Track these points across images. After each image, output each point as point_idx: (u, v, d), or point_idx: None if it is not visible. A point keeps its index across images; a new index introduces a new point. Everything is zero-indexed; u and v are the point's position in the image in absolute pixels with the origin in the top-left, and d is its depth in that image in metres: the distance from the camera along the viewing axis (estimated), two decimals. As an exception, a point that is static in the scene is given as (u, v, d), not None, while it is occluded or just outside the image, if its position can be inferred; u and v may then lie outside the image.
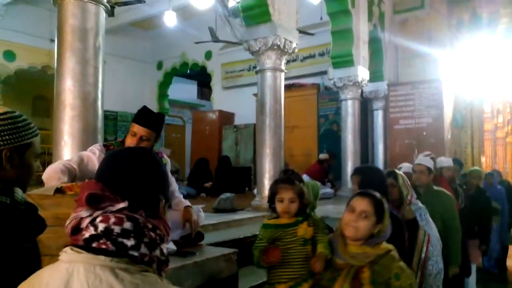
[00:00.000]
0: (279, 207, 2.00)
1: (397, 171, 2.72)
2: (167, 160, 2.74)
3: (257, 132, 5.02)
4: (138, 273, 0.88)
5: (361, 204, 1.77)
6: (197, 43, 9.37)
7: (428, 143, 7.02)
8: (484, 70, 8.74)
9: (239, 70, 10.39)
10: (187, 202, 2.71)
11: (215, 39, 8.65)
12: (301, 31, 8.04)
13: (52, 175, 2.22)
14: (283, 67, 5.01)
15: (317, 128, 8.50)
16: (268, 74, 4.89)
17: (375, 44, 7.48)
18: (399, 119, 7.53)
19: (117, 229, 0.89)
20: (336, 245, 1.81)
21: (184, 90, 14.18)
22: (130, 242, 0.89)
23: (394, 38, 7.82)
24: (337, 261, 1.79)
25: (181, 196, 2.77)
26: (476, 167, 6.08)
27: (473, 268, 4.51)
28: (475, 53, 8.15)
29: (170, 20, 8.08)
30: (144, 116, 2.44)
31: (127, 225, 0.90)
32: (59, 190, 1.90)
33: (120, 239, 0.89)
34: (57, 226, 1.82)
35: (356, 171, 2.51)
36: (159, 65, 11.95)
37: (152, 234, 0.93)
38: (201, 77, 12.93)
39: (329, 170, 7.23)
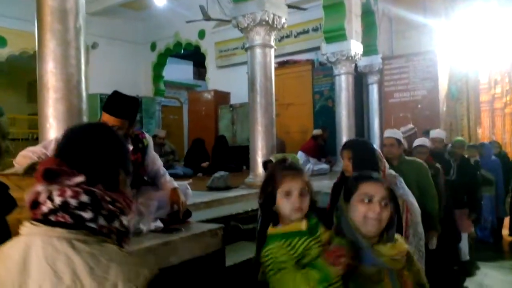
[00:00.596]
0: (286, 204, 1.43)
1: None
2: (148, 140, 2.70)
3: (249, 110, 4.99)
4: (96, 244, 0.90)
5: (378, 190, 1.39)
6: (188, 22, 9.23)
7: (423, 116, 7.00)
8: (480, 40, 8.63)
9: (233, 48, 10.27)
10: (174, 183, 2.70)
11: (207, 18, 8.52)
12: (294, 6, 7.93)
13: (21, 161, 2.18)
14: (272, 43, 4.95)
15: (313, 105, 8.46)
16: (258, 51, 4.83)
17: (368, 17, 7.37)
18: (394, 92, 7.49)
19: (74, 202, 0.90)
20: (363, 248, 1.36)
21: (180, 71, 14.07)
22: (87, 215, 0.91)
23: (388, 10, 7.70)
24: (364, 269, 1.36)
25: (167, 175, 2.77)
26: (459, 137, 6.06)
27: (465, 236, 4.56)
28: (470, 22, 8.03)
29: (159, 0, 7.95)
30: (114, 104, 2.35)
31: (84, 198, 0.91)
32: (33, 169, 1.90)
33: (77, 212, 0.90)
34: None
35: (346, 146, 2.40)
36: (153, 46, 11.81)
37: (111, 207, 0.95)
38: (196, 57, 12.80)
39: (325, 145, 7.23)
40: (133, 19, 11.37)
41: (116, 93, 2.43)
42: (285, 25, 5.04)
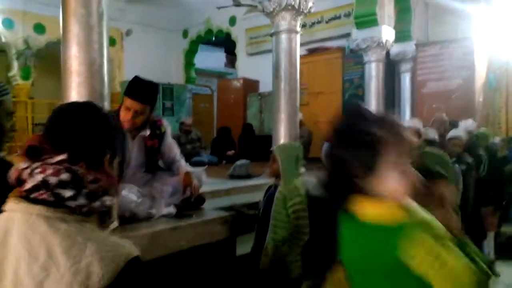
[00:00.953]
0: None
1: None
2: (166, 128, 2.70)
3: (271, 97, 4.92)
4: (74, 223, 0.90)
5: None
6: (219, 8, 9.22)
7: (457, 106, 6.67)
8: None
9: (263, 35, 10.15)
10: (187, 167, 2.73)
11: (237, 3, 8.46)
12: (325, -9, 7.74)
13: None
14: (298, 28, 4.83)
15: (342, 94, 8.26)
16: (283, 36, 4.74)
17: (402, 2, 7.06)
18: (427, 81, 7.17)
19: (54, 180, 0.90)
20: None
21: (211, 59, 14.12)
22: (68, 193, 0.91)
23: (423, -6, 7.35)
24: None
25: (182, 161, 2.79)
26: (483, 129, 5.69)
27: (490, 235, 4.32)
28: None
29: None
30: (136, 89, 2.38)
31: (65, 176, 0.91)
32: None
33: (57, 190, 0.90)
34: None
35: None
36: (185, 33, 11.88)
37: (93, 186, 0.94)
38: (228, 44, 12.78)
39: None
40: (166, 6, 11.44)
41: (137, 78, 2.44)
42: (312, 10, 4.91)
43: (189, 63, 11.94)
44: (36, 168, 0.91)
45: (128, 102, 2.37)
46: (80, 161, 0.94)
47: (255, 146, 7.55)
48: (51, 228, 0.87)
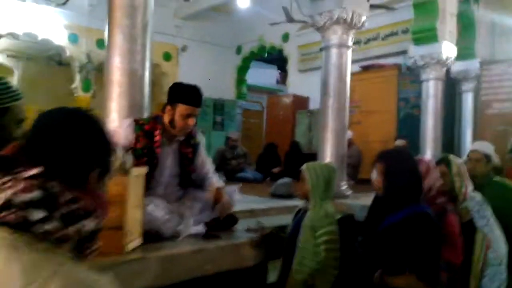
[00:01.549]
0: None
1: (452, 157, 2.28)
2: (199, 140, 2.63)
3: (319, 114, 4.71)
4: (43, 251, 0.75)
5: None
6: (272, 24, 9.17)
7: (526, 130, 6.06)
8: None
9: (316, 51, 9.94)
10: (220, 183, 2.59)
11: (290, 19, 8.36)
12: (382, 6, 7.44)
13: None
14: (350, 43, 4.61)
15: (397, 113, 7.83)
16: (333, 51, 4.54)
17: (466, 18, 6.61)
18: (493, 102, 6.60)
19: (23, 198, 0.76)
20: None
21: (263, 75, 14.14)
22: (38, 215, 0.76)
23: (490, 10, 6.82)
24: None
25: (215, 177, 2.66)
26: None
27: None
28: None
29: (243, 1, 7.98)
30: (193, 95, 2.38)
31: (36, 194, 0.76)
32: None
33: (27, 210, 0.76)
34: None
35: (379, 157, 1.95)
36: (238, 49, 11.98)
37: (71, 206, 0.80)
38: (280, 61, 12.74)
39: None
40: (221, 23, 11.65)
41: (190, 86, 2.41)
42: (366, 24, 4.66)
43: (241, 79, 12.00)
44: (5, 183, 0.77)
45: (190, 109, 2.34)
46: (57, 177, 0.80)
47: (301, 164, 7.28)
48: (12, 255, 0.73)
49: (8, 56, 12.05)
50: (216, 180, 2.59)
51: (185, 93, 2.38)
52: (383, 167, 1.86)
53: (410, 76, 7.60)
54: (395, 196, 1.77)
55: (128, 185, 1.85)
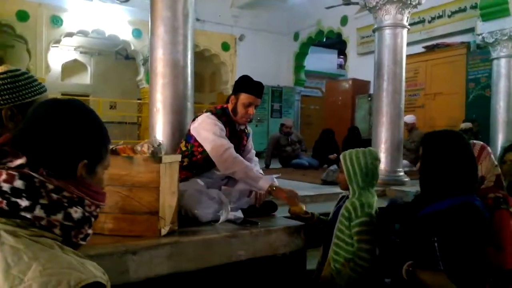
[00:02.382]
0: None
1: None
2: (250, 130, 2.78)
3: (373, 98, 4.51)
4: (26, 237, 0.78)
5: None
6: (328, 7, 8.92)
7: None
8: None
9: (376, 34, 9.55)
10: (259, 170, 2.59)
11: (346, 2, 8.09)
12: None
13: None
14: (405, 22, 4.34)
15: (466, 95, 7.27)
16: (387, 32, 4.30)
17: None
18: None
19: (6, 187, 0.80)
20: None
21: (323, 61, 13.83)
22: (23, 203, 0.80)
23: None
24: None
25: (256, 164, 2.67)
26: None
27: None
28: None
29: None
30: (256, 86, 2.53)
31: (18, 183, 0.81)
32: (112, 152, 1.96)
33: (13, 199, 0.80)
34: (109, 185, 1.90)
35: (421, 140, 1.77)
36: (296, 36, 11.81)
37: (54, 196, 0.83)
38: (340, 46, 12.37)
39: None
40: (278, 10, 11.56)
41: (251, 78, 2.58)
42: (422, 1, 4.35)
43: (299, 66, 11.84)
44: None
45: (251, 98, 2.49)
46: (40, 167, 0.82)
47: (360, 150, 7.05)
48: None
49: (81, 52, 12.99)
50: (257, 169, 2.60)
51: (247, 84, 2.53)
52: (422, 150, 1.72)
53: (481, 55, 7.00)
54: (431, 183, 1.62)
55: (161, 172, 1.90)
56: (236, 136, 2.62)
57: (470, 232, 1.47)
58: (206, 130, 2.45)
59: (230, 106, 2.55)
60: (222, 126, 2.48)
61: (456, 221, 1.50)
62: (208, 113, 2.56)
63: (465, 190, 1.58)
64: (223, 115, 2.56)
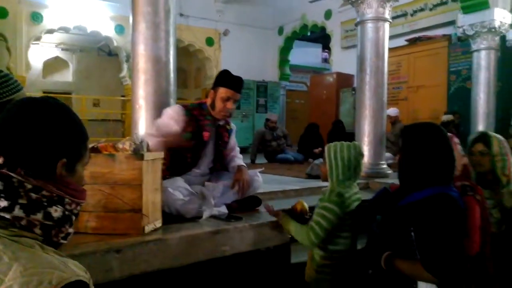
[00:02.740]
0: None
1: (493, 134, 2.08)
2: (232, 127, 2.74)
3: (356, 92, 4.55)
4: (6, 238, 0.78)
5: None
6: (311, 2, 8.93)
7: None
8: None
9: (359, 27, 9.60)
10: (241, 162, 2.62)
11: (330, -5, 8.10)
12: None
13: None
14: (387, 16, 4.37)
15: (447, 87, 7.38)
16: (369, 26, 4.34)
17: (523, -21, 6.02)
18: (555, 71, 6.02)
19: None
20: None
21: (307, 55, 13.87)
22: (2, 203, 0.80)
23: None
24: None
25: (240, 160, 2.69)
26: None
27: None
28: None
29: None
30: (234, 80, 2.51)
31: None
32: (94, 150, 1.95)
33: None
34: (91, 184, 1.89)
35: (401, 132, 1.79)
36: (280, 30, 11.81)
37: (33, 195, 0.82)
38: (325, 40, 12.41)
39: (457, 133, 6.23)
40: (262, 4, 11.53)
41: (230, 72, 2.55)
42: (404, -5, 4.39)
43: (284, 60, 11.85)
44: None
45: (229, 92, 2.45)
46: (18, 167, 0.82)
47: (345, 144, 7.11)
48: None
49: (63, 49, 12.78)
50: (240, 162, 2.61)
51: (226, 78, 2.51)
52: (401, 142, 1.73)
53: (462, 47, 7.11)
54: (409, 174, 1.64)
55: (143, 169, 1.90)
56: (211, 131, 2.56)
57: (444, 222, 1.50)
58: (160, 118, 2.52)
59: (209, 101, 2.52)
60: (183, 119, 2.43)
61: (431, 211, 1.53)
62: (178, 105, 2.57)
63: (442, 181, 1.60)
64: (196, 109, 2.52)
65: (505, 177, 2.02)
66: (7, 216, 0.80)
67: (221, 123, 2.62)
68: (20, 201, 0.81)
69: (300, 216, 2.18)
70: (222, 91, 2.46)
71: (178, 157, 2.43)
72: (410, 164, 1.63)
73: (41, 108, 0.87)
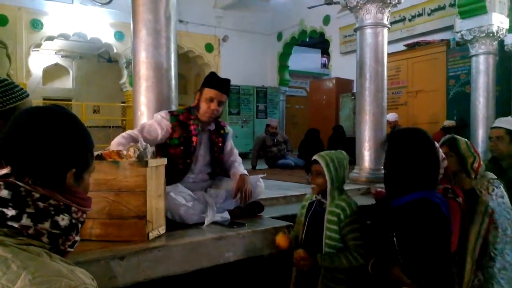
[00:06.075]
0: None
1: (458, 137, 2.10)
2: (228, 131, 2.71)
3: (356, 97, 4.57)
4: (14, 246, 0.78)
5: None
6: (310, 8, 8.98)
7: None
8: None
9: (358, 33, 9.64)
10: (243, 171, 2.60)
11: (328, 2, 8.16)
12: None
13: (113, 146, 2.29)
14: (385, 21, 4.40)
15: (446, 91, 7.40)
16: (368, 31, 4.36)
17: (520, -16, 6.07)
18: (553, 75, 6.05)
19: None
20: None
21: (307, 60, 13.92)
22: (10, 212, 0.80)
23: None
24: None
25: (241, 166, 2.67)
26: None
27: None
28: None
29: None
30: (219, 81, 2.48)
31: (4, 193, 0.81)
32: (98, 157, 1.96)
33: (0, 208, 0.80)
34: (95, 191, 1.90)
35: (387, 137, 1.83)
36: (279, 36, 11.87)
37: (40, 204, 0.83)
38: (324, 45, 12.46)
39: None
40: (261, 10, 11.59)
41: (215, 74, 2.57)
42: (402, 0, 4.42)
43: (283, 66, 11.89)
44: None
45: (213, 93, 2.43)
46: (25, 176, 0.83)
47: (345, 149, 7.10)
48: None
49: (62, 56, 12.82)
50: (241, 169, 2.60)
51: (211, 78, 2.50)
52: (387, 147, 1.73)
53: (460, 52, 7.14)
54: (394, 179, 1.64)
55: (147, 176, 1.91)
56: (201, 136, 2.52)
57: (423, 228, 1.50)
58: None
59: (195, 103, 2.51)
60: (167, 124, 2.42)
61: (411, 216, 1.53)
62: (165, 111, 2.57)
63: (425, 186, 1.60)
64: (183, 114, 2.50)
65: (473, 172, 2.01)
66: (15, 225, 0.81)
67: (212, 128, 2.58)
68: (28, 210, 0.82)
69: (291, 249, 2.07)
70: (206, 92, 2.45)
71: (169, 164, 2.37)
72: (394, 169, 1.64)
73: (49, 117, 0.87)
